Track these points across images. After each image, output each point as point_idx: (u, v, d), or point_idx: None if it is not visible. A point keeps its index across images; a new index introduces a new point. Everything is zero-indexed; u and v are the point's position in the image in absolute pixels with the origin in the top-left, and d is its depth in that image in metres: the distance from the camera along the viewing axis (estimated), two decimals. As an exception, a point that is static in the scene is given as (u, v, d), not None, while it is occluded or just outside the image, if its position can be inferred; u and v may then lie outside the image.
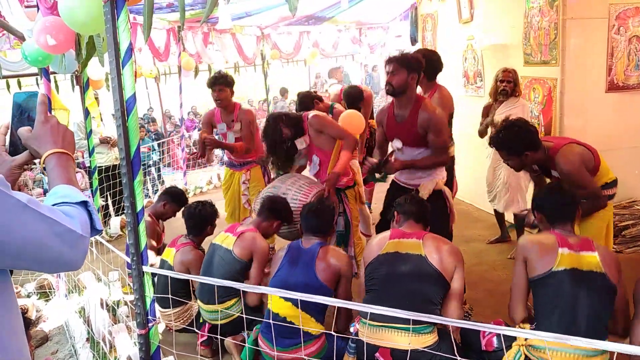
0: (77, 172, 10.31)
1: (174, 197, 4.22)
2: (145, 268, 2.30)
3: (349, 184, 3.63)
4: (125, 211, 2.27)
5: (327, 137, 3.52)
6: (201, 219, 3.57)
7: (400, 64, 3.15)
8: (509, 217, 4.74)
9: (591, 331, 2.12)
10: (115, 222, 5.98)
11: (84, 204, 1.13)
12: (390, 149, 3.57)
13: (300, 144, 3.54)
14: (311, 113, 3.56)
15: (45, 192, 8.15)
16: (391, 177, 3.64)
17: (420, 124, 3.19)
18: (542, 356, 2.16)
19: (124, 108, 2.20)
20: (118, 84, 2.17)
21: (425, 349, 2.32)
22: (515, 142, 3.01)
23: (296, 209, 3.36)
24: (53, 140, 1.23)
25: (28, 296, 4.34)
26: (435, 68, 4.02)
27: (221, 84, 4.32)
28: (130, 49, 2.19)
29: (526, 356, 2.20)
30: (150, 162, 8.88)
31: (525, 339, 2.22)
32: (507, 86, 4.31)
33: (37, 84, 6.51)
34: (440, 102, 3.88)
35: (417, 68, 3.19)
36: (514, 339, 2.28)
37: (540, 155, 3.05)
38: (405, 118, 3.26)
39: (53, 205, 1.10)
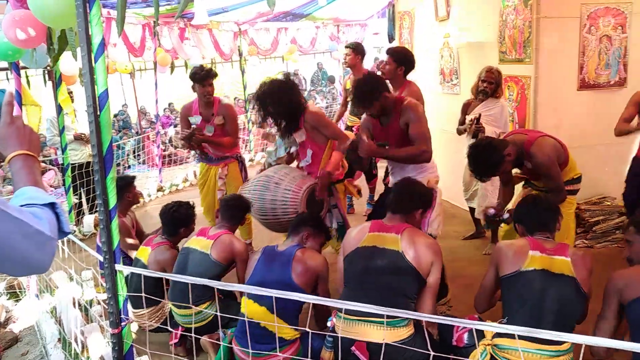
0: (50, 170, 10.17)
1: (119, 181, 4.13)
2: (117, 266, 2.27)
3: (338, 178, 3.66)
4: (97, 209, 2.22)
5: (321, 134, 3.55)
6: (174, 220, 3.54)
7: (365, 101, 3.24)
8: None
9: (556, 330, 2.15)
10: (89, 220, 5.87)
11: (52, 205, 1.11)
12: None
13: (300, 136, 3.55)
14: (309, 108, 3.56)
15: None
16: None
17: (403, 120, 3.22)
18: (506, 356, 2.20)
19: (97, 104, 2.16)
20: (90, 79, 2.13)
21: (400, 343, 2.34)
22: (487, 164, 3.11)
23: (288, 200, 3.37)
24: (19, 142, 1.22)
25: (-3, 296, 4.24)
26: (412, 65, 4.08)
27: (211, 78, 4.30)
28: (102, 44, 2.15)
29: (492, 356, 2.23)
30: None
31: (492, 338, 2.25)
32: (488, 87, 4.33)
33: (7, 79, 6.36)
34: (414, 97, 3.91)
35: (378, 91, 3.22)
36: (483, 335, 2.31)
37: (514, 156, 3.14)
38: (389, 120, 3.32)
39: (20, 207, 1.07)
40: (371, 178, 5.56)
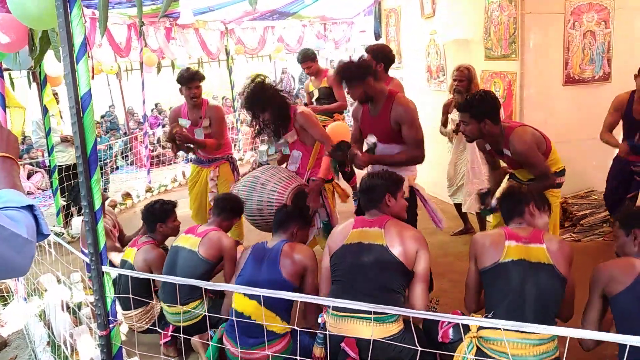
0: (37, 172, 10.08)
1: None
2: (104, 268, 2.26)
3: (327, 179, 3.66)
4: (82, 210, 2.21)
5: (309, 135, 3.56)
6: (149, 216, 3.53)
7: (349, 80, 3.22)
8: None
9: (539, 320, 2.17)
10: (77, 222, 5.82)
11: (30, 208, 1.10)
12: (365, 146, 3.57)
13: (291, 137, 3.56)
14: (299, 109, 3.58)
15: None
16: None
17: (394, 118, 3.19)
18: (492, 347, 2.22)
19: (80, 105, 2.14)
20: (72, 80, 2.11)
21: (389, 338, 2.35)
22: (479, 106, 3.11)
23: (274, 201, 3.39)
24: None
25: (-15, 300, 4.20)
26: (391, 61, 4.12)
27: (197, 80, 4.27)
28: (85, 44, 2.13)
29: (478, 348, 2.25)
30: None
31: (477, 331, 2.27)
32: (459, 85, 4.36)
33: (-9, 81, 6.29)
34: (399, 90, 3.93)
35: (366, 73, 3.20)
36: (469, 329, 2.33)
37: (497, 131, 3.16)
38: (378, 112, 3.28)
39: None
40: (350, 177, 5.60)
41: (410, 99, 3.39)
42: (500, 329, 2.02)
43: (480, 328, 2.26)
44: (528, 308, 2.25)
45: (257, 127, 3.64)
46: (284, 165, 3.82)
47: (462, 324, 2.27)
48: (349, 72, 3.21)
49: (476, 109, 3.11)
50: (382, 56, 4.06)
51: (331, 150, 3.33)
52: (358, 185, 3.21)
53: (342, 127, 4.31)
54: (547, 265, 2.31)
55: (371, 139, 3.34)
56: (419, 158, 3.26)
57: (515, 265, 2.33)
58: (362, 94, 3.21)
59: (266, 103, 3.48)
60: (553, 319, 2.30)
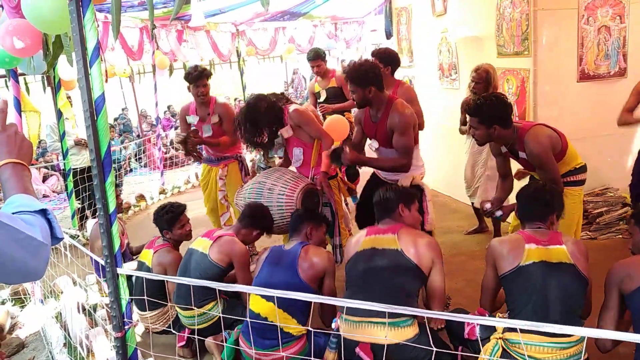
0: (52, 175, 10.20)
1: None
2: (119, 270, 2.27)
3: (331, 174, 3.67)
4: (97, 213, 2.23)
5: (305, 132, 3.55)
6: (157, 223, 3.56)
7: (355, 83, 3.23)
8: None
9: (564, 321, 2.14)
10: (92, 224, 5.88)
11: (43, 212, 1.11)
12: (367, 150, 3.63)
13: (286, 132, 3.56)
14: (292, 107, 3.55)
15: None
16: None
17: (390, 124, 3.23)
18: (517, 350, 2.18)
19: (93, 108, 2.16)
20: (86, 83, 2.13)
21: (405, 342, 2.33)
22: (488, 111, 3.06)
23: (283, 204, 3.38)
24: (8, 150, 1.22)
25: (2, 303, 4.25)
26: (397, 63, 4.11)
27: (205, 78, 4.30)
28: (98, 48, 2.14)
29: (504, 349, 2.22)
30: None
31: (503, 332, 2.25)
32: (476, 87, 4.31)
33: (7, 86, 6.37)
34: (408, 95, 3.91)
35: (372, 80, 3.21)
36: (495, 329, 2.30)
37: (509, 134, 3.11)
38: (378, 119, 3.32)
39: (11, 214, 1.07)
40: (355, 178, 5.59)
41: (421, 98, 3.39)
42: (525, 331, 2.00)
43: (505, 330, 2.24)
44: (553, 309, 2.22)
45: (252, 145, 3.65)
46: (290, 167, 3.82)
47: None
48: (356, 75, 3.22)
49: (485, 115, 3.06)
50: (388, 59, 4.02)
51: (330, 157, 3.36)
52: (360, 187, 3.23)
53: (339, 121, 4.29)
54: (568, 265, 2.28)
55: (374, 144, 3.41)
56: (404, 167, 3.27)
57: (537, 267, 2.29)
58: (362, 98, 3.25)
59: (261, 126, 3.49)
60: (578, 320, 2.26)
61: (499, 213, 3.25)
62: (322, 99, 5.72)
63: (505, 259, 2.39)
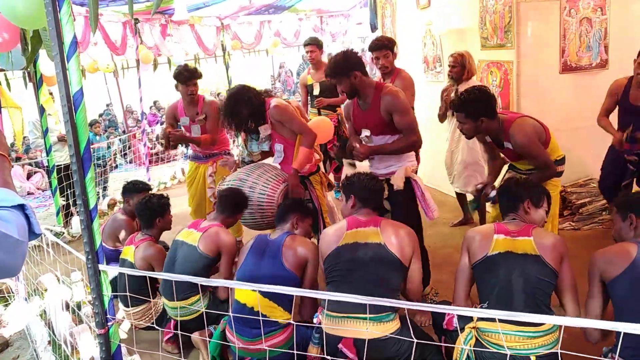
0: (36, 172, 10.07)
1: (133, 190, 4.12)
2: (101, 266, 2.25)
3: (312, 170, 3.65)
4: (78, 209, 2.20)
5: (287, 128, 3.51)
6: (147, 210, 3.51)
7: (338, 75, 3.20)
8: (470, 197, 4.82)
9: (529, 311, 2.15)
10: (77, 221, 5.83)
11: (21, 207, 1.09)
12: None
13: (265, 130, 3.52)
14: (273, 102, 3.50)
15: None
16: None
17: (384, 108, 3.18)
18: (487, 338, 2.22)
19: (72, 103, 2.13)
20: (63, 78, 2.10)
21: (387, 336, 2.34)
22: (473, 105, 3.09)
23: (265, 204, 3.37)
24: None
25: (-14, 302, 4.21)
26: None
27: (196, 78, 4.29)
28: (75, 42, 2.11)
29: (476, 339, 2.25)
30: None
31: (476, 321, 2.27)
32: (453, 71, 4.36)
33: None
34: (403, 84, 3.91)
35: (354, 65, 3.18)
36: (471, 319, 2.33)
37: (495, 125, 3.15)
38: (368, 105, 3.27)
39: None
40: (339, 169, 5.58)
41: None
42: (494, 320, 2.03)
43: (478, 319, 2.26)
44: (517, 298, 2.25)
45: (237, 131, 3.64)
46: (269, 160, 3.79)
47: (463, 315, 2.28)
48: (335, 67, 3.20)
49: (471, 108, 3.09)
50: (393, 45, 4.06)
51: (336, 152, 3.34)
52: (342, 178, 3.22)
53: (323, 122, 4.27)
54: (533, 256, 2.31)
55: (365, 133, 3.34)
56: (416, 143, 3.28)
57: (502, 258, 2.34)
58: (349, 86, 3.21)
59: (244, 115, 3.45)
60: (545, 309, 2.27)
61: (492, 193, 3.26)
62: (315, 92, 5.65)
63: (477, 248, 2.45)
